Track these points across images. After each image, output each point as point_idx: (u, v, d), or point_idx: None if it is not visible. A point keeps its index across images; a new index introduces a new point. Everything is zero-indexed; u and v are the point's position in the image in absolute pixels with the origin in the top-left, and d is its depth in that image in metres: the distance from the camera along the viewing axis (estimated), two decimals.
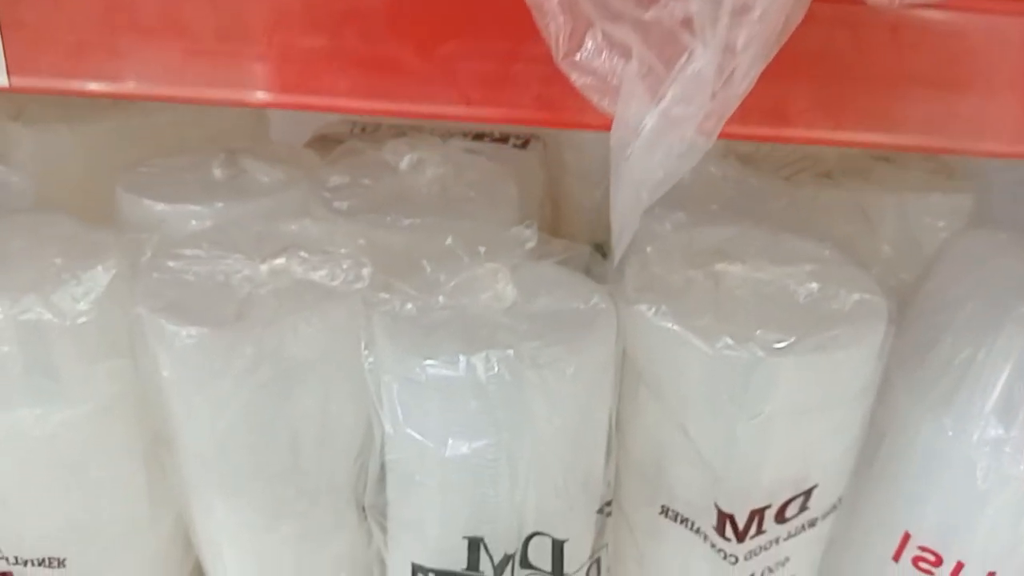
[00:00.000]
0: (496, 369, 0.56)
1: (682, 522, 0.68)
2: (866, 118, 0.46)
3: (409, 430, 0.58)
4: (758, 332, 0.58)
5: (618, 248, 0.44)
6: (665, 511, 0.69)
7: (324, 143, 1.05)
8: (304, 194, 0.81)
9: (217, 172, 0.84)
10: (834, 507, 0.70)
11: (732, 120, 0.38)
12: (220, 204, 0.79)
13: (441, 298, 0.62)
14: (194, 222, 0.77)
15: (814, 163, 1.03)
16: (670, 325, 0.59)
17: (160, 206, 0.78)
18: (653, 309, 0.59)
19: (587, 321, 0.61)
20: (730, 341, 0.57)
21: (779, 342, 0.57)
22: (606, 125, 0.39)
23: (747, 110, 0.38)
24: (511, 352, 0.56)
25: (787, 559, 0.70)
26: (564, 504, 0.63)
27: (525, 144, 1.05)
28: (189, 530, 0.75)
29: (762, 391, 0.59)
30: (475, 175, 0.82)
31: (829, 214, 0.92)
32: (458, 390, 0.56)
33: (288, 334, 0.60)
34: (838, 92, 0.45)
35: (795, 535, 0.68)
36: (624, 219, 0.42)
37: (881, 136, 0.46)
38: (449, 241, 0.67)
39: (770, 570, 0.69)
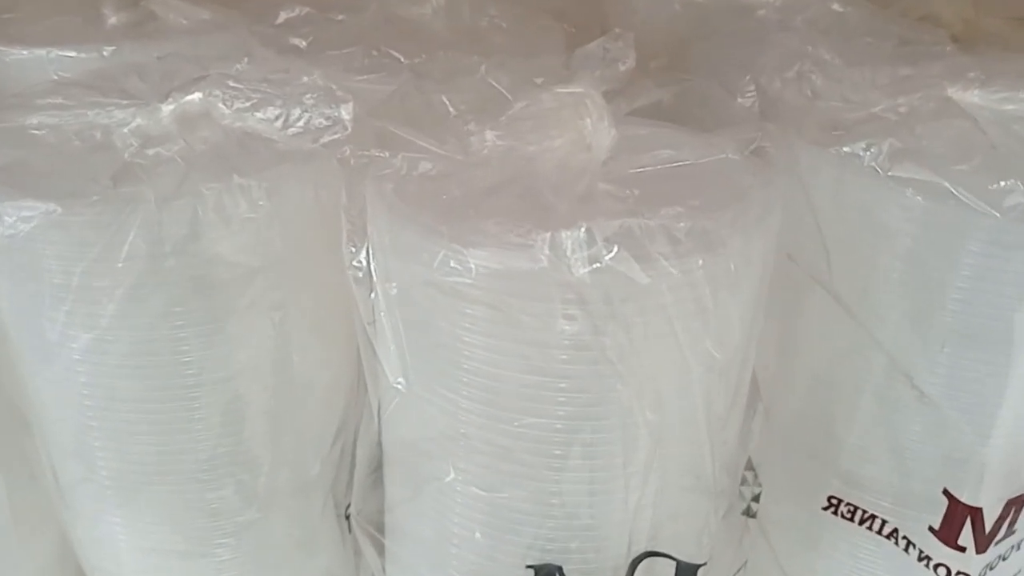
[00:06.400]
0: (604, 257, 0.30)
1: (866, 522, 0.45)
2: None
3: (433, 383, 0.35)
4: None
5: None
6: (835, 505, 0.46)
7: None
8: (242, 39, 0.54)
9: (111, 16, 0.58)
10: None
11: None
12: (110, 49, 0.52)
13: (487, 147, 0.35)
14: (67, 74, 0.50)
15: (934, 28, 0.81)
16: (913, 174, 0.33)
17: (16, 52, 0.51)
18: (871, 150, 0.33)
19: (747, 180, 0.35)
20: None
21: None
22: None
23: None
24: (635, 224, 0.30)
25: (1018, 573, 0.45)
26: (701, 499, 0.37)
27: None
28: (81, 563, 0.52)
29: None
30: (500, 7, 0.55)
31: None
32: (531, 300, 0.32)
33: (208, 219, 0.38)
34: None
35: None
36: None
37: None
38: (483, 70, 0.40)
39: None
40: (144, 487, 0.44)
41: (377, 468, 0.45)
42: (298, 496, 0.47)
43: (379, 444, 0.43)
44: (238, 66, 0.47)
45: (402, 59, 0.49)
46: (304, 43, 0.52)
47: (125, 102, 0.43)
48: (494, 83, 0.42)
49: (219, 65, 0.47)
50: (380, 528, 0.44)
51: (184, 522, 0.46)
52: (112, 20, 0.59)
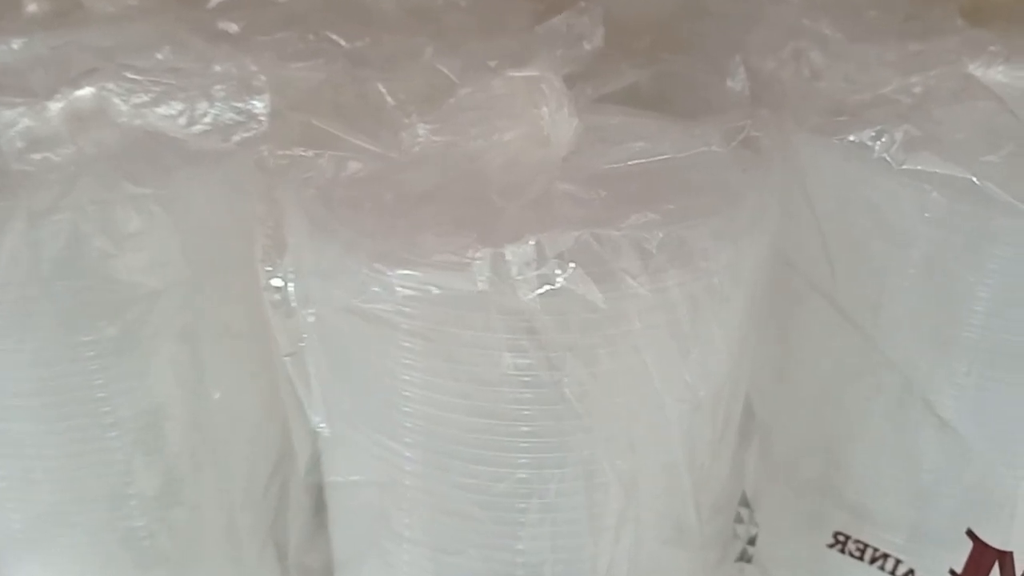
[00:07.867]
0: (557, 277, 0.25)
1: (877, 561, 0.40)
2: None
3: (365, 425, 0.30)
4: None
5: None
6: (842, 542, 0.41)
7: None
8: (170, 26, 0.48)
9: (29, 3, 0.52)
10: None
11: None
12: (20, 41, 0.46)
13: (421, 143, 0.30)
14: None
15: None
16: (932, 167, 0.28)
17: None
18: (882, 138, 0.28)
19: (735, 177, 0.30)
20: None
21: None
22: None
23: None
24: (594, 236, 0.25)
25: None
26: (686, 553, 0.32)
27: None
28: None
29: None
30: None
31: None
32: (471, 329, 0.27)
33: (93, 236, 0.33)
34: None
35: None
36: None
37: None
38: (429, 53, 0.35)
39: None
40: (58, 537, 0.39)
41: (315, 514, 0.40)
42: (231, 542, 0.42)
43: (318, 486, 0.38)
44: (159, 55, 0.42)
45: (343, 43, 0.44)
46: (236, 27, 0.47)
47: (18, 100, 0.38)
48: (442, 68, 0.37)
49: (136, 56, 0.42)
50: None
51: (107, 573, 0.41)
52: (31, 8, 0.53)
